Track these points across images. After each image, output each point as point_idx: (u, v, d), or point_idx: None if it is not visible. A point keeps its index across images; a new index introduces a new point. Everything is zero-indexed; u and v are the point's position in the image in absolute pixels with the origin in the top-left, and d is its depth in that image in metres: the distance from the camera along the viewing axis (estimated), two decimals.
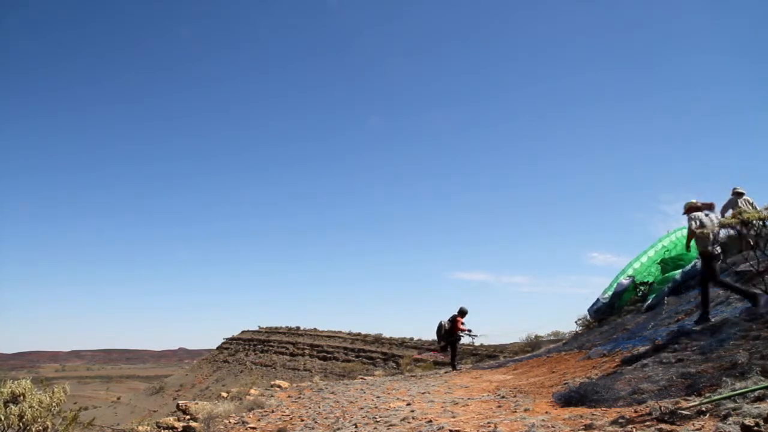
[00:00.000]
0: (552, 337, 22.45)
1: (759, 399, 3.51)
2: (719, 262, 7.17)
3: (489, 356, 32.57)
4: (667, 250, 12.74)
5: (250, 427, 6.18)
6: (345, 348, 51.84)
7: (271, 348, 59.11)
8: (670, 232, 13.33)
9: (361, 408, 6.80)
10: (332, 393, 9.13)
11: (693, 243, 7.25)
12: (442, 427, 4.70)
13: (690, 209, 7.32)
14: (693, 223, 7.05)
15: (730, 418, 3.26)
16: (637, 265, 12.82)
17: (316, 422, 6.05)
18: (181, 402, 9.03)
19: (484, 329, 11.81)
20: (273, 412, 7.23)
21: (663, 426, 3.51)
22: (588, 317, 13.99)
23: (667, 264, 12.50)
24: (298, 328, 61.41)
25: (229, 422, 6.63)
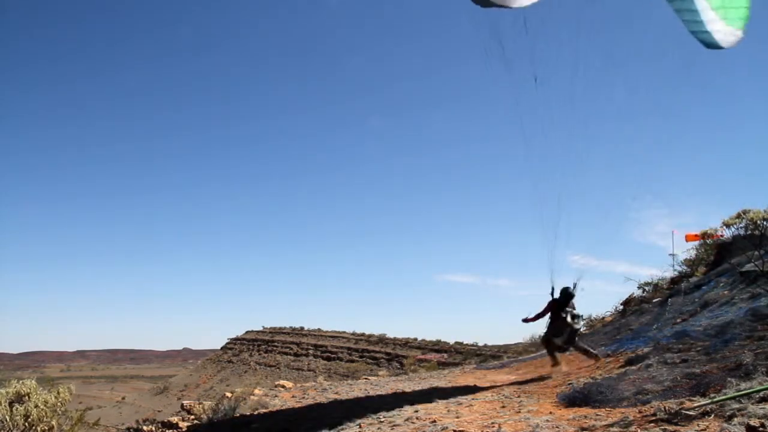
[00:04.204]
0: None
1: (764, 399, 3.50)
2: None
3: (493, 356, 32.59)
4: None
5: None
6: (349, 348, 51.96)
7: (275, 348, 59.29)
8: None
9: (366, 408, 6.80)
10: (336, 393, 9.14)
11: None
12: (446, 428, 4.69)
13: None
14: None
15: (735, 419, 3.25)
16: None
17: None
18: (185, 402, 9.07)
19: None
20: None
21: (667, 426, 3.51)
22: None
23: None
24: (302, 329, 61.53)
25: None
